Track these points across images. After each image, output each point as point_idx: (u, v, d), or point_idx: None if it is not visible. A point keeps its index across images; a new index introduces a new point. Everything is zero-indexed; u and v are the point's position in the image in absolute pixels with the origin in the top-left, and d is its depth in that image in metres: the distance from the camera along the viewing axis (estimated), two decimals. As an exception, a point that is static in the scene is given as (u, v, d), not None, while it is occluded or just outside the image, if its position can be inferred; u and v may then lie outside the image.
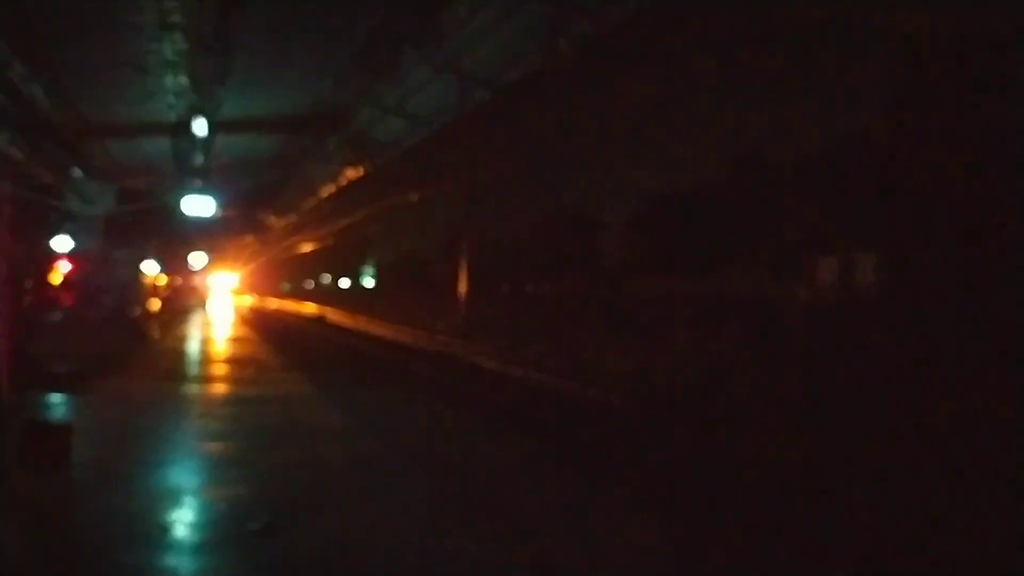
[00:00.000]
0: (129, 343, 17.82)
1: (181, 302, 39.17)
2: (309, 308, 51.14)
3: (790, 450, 9.02)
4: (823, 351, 15.66)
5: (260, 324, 33.81)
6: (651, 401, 12.42)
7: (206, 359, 16.98)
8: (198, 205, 25.49)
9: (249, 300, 65.67)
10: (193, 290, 51.04)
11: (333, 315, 41.75)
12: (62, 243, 30.30)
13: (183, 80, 15.76)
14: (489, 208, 35.46)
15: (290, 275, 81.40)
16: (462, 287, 30.44)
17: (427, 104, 18.08)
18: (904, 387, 12.11)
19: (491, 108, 15.79)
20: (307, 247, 50.21)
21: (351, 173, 25.25)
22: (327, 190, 30.03)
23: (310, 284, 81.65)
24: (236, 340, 22.25)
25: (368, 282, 69.97)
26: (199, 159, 21.10)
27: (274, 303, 62.23)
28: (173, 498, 5.76)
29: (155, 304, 26.21)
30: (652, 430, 10.49)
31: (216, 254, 52.24)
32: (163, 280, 37.48)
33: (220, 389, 11.98)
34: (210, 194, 24.64)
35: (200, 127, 17.41)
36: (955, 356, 13.11)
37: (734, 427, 10.26)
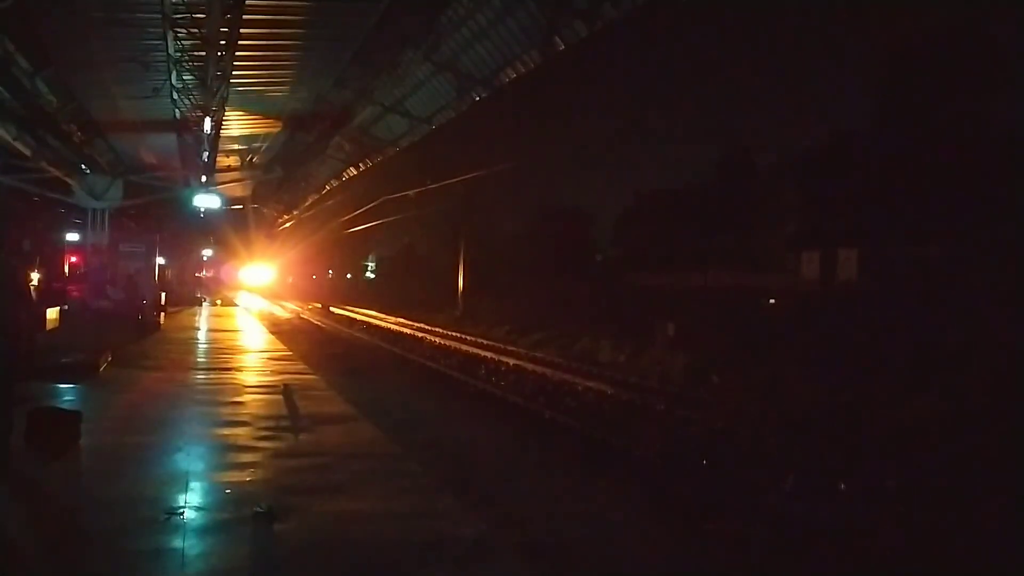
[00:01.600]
0: (135, 334, 18.07)
1: (188, 295, 39.39)
2: (313, 301, 51.26)
3: (768, 437, 9.29)
4: (800, 340, 15.98)
5: (265, 316, 34.04)
6: (641, 389, 12.69)
7: (210, 349, 17.22)
8: (203, 200, 25.83)
9: (260, 294, 62.27)
10: (199, 283, 51.30)
11: (337, 308, 42.02)
12: (69, 236, 30.68)
13: (187, 77, 16.01)
14: (487, 203, 35.68)
15: (295, 269, 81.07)
16: (460, 281, 30.71)
17: (426, 102, 18.36)
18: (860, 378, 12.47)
19: (489, 106, 15.99)
20: (311, 241, 50.29)
21: (352, 170, 25.53)
22: (329, 186, 30.28)
23: (314, 277, 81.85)
24: (242, 331, 22.50)
25: (370, 275, 70.20)
26: (204, 155, 21.36)
27: (281, 296, 61.87)
28: (177, 482, 5.96)
29: (161, 296, 26.48)
30: (641, 416, 10.77)
31: (223, 249, 52.31)
32: (169, 273, 37.80)
33: (224, 377, 12.21)
34: (214, 190, 24.99)
35: (205, 124, 17.65)
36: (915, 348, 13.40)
37: (722, 415, 10.52)
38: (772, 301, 24.13)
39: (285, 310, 41.10)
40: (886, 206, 21.82)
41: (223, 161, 26.19)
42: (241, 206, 36.63)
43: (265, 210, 39.83)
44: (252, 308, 39.92)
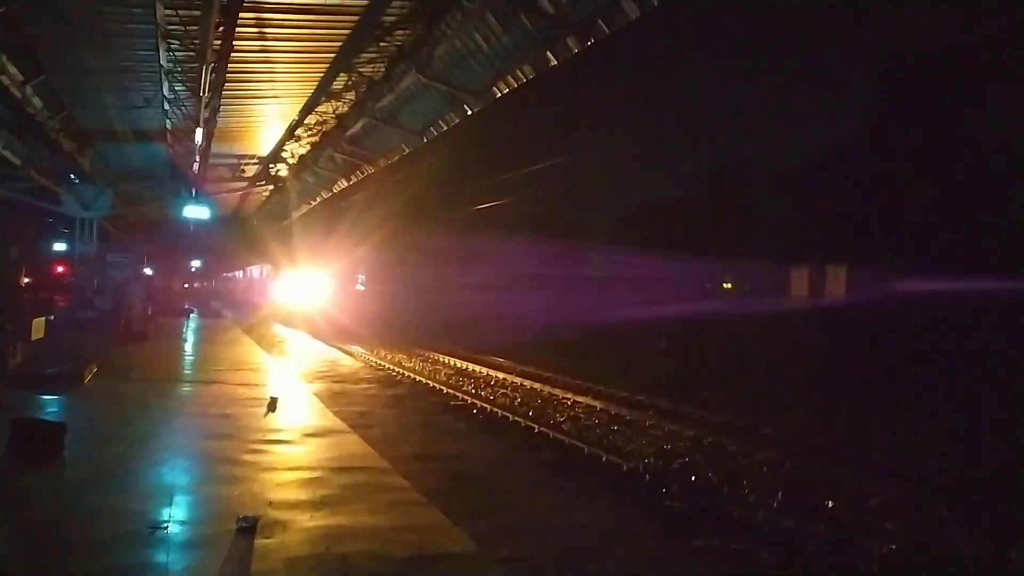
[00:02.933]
0: (122, 344, 17.94)
1: (174, 305, 39.02)
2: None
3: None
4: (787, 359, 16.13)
5: (254, 333, 33.72)
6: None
7: (197, 360, 17.10)
8: (193, 211, 25.78)
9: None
10: (187, 293, 50.95)
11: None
12: (57, 246, 30.50)
13: (179, 88, 15.99)
14: (483, 215, 35.45)
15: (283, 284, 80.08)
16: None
17: (419, 115, 18.38)
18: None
19: (482, 120, 16.01)
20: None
21: (343, 181, 25.47)
22: (319, 199, 30.16)
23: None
24: (228, 343, 22.36)
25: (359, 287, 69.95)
26: (194, 166, 21.30)
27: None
28: (162, 496, 5.92)
29: (149, 306, 26.29)
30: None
31: (216, 259, 51.83)
32: (158, 283, 37.54)
33: (211, 389, 12.13)
34: (204, 201, 24.94)
35: (196, 135, 17.61)
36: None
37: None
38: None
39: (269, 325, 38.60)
40: (874, 222, 22.04)
41: (213, 171, 26.12)
42: (229, 218, 36.17)
43: (254, 222, 39.56)
44: (240, 319, 39.17)
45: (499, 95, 14.96)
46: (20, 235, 26.42)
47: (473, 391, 14.69)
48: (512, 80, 14.45)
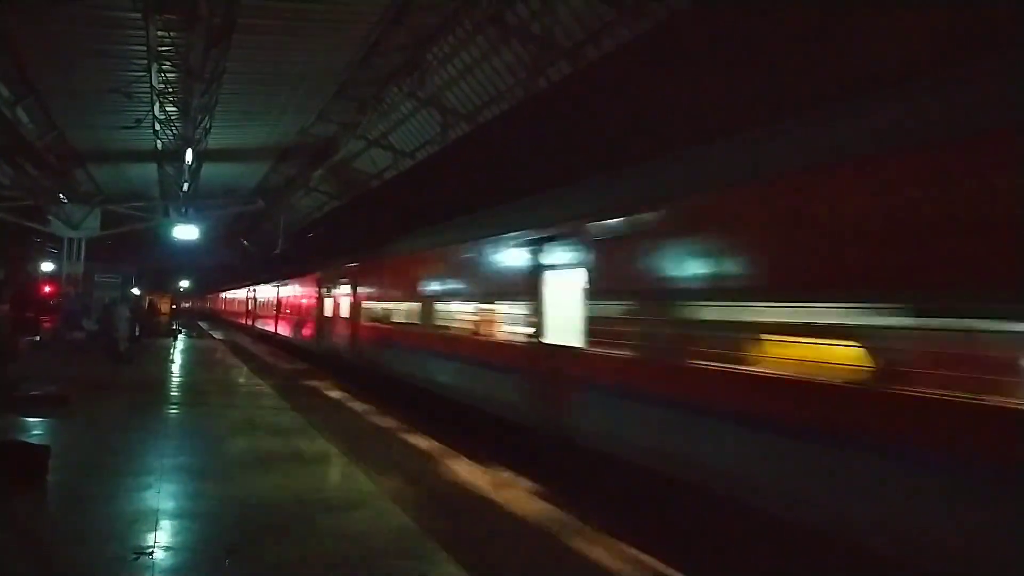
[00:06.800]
0: (109, 366, 17.72)
1: (163, 326, 38.68)
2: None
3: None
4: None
5: (242, 354, 33.42)
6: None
7: (184, 383, 16.88)
8: (183, 231, 25.71)
9: None
10: (176, 314, 50.52)
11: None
12: (44, 266, 30.30)
13: (170, 109, 16.00)
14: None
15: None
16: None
17: (410, 137, 18.45)
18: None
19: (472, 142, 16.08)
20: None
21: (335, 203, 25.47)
22: (309, 221, 30.08)
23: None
24: (216, 364, 22.15)
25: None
26: (185, 186, 21.26)
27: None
28: (148, 520, 5.82)
29: (136, 327, 26.06)
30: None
31: (207, 279, 51.51)
32: (146, 303, 37.20)
33: (199, 411, 11.97)
34: (193, 221, 24.87)
35: (187, 155, 17.59)
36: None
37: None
38: None
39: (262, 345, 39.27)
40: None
41: (203, 193, 26.06)
42: (220, 239, 35.86)
43: (244, 244, 39.37)
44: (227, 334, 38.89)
45: (491, 117, 15.04)
46: (7, 255, 26.26)
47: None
48: (504, 103, 14.53)
